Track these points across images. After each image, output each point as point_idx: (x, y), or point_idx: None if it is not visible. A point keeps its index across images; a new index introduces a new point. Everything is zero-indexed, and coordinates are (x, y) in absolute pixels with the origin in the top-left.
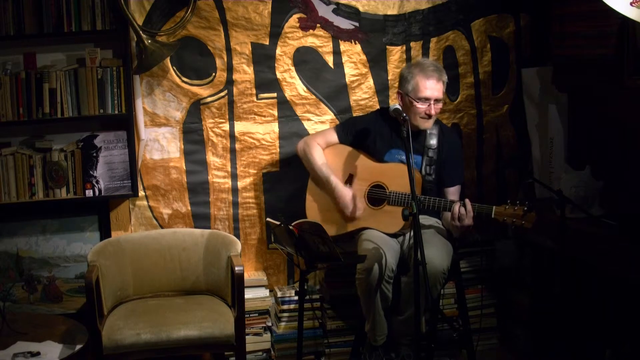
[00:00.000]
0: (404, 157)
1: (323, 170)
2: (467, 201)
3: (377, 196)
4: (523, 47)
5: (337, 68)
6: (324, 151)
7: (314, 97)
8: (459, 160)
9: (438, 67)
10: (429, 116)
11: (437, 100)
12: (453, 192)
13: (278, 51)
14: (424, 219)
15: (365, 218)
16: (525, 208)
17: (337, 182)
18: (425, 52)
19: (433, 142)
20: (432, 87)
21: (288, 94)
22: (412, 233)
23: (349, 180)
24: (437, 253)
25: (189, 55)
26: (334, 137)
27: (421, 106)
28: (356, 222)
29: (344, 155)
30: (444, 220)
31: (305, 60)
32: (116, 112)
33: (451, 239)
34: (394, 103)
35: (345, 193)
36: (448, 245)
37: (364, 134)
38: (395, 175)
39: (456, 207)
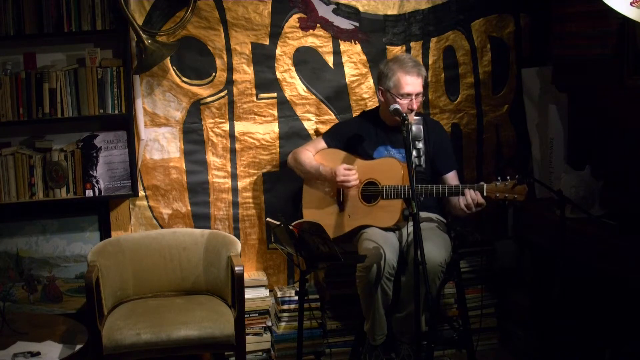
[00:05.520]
0: (391, 152)
1: (313, 164)
2: (477, 193)
3: (371, 193)
4: (523, 47)
5: (337, 68)
6: (315, 156)
7: (314, 97)
8: (449, 147)
9: (416, 61)
10: (412, 111)
11: (417, 95)
12: (451, 178)
13: (278, 51)
14: (423, 214)
15: (362, 216)
16: (515, 182)
17: (325, 167)
18: (425, 52)
19: (419, 133)
20: (413, 83)
21: (288, 94)
22: (410, 229)
23: None
24: (434, 247)
25: (189, 55)
26: (321, 144)
27: (403, 101)
28: (353, 221)
29: (335, 159)
30: (452, 207)
31: (305, 60)
32: (116, 112)
33: (450, 234)
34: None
35: (337, 168)
36: (446, 240)
37: (351, 138)
38: (385, 169)
39: (467, 192)
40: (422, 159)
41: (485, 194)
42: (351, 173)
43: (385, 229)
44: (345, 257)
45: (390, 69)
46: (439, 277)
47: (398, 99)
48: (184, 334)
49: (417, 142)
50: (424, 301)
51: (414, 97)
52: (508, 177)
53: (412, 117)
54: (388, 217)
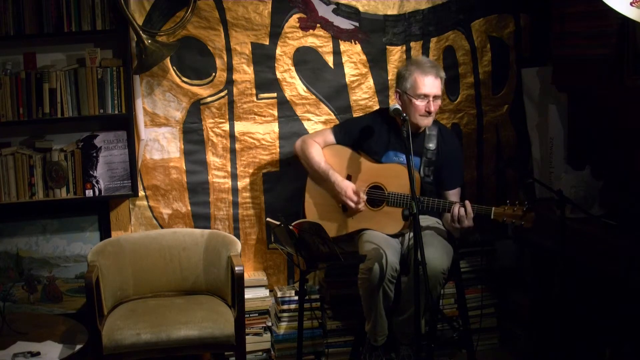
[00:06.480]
0: (401, 159)
1: (322, 166)
2: (467, 203)
3: (376, 197)
4: (523, 47)
5: (337, 68)
6: (322, 151)
7: (314, 97)
8: (459, 163)
9: (435, 64)
10: (429, 113)
11: (435, 97)
12: (453, 195)
13: (278, 51)
14: (424, 219)
15: (365, 219)
16: (525, 208)
17: (337, 176)
18: (425, 52)
19: (432, 144)
20: (430, 84)
21: (288, 94)
22: (411, 234)
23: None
24: (436, 253)
25: (189, 55)
26: (330, 137)
27: (420, 103)
28: (356, 222)
29: (342, 156)
30: (444, 221)
31: (305, 60)
32: (116, 112)
33: (451, 239)
34: (394, 103)
35: (346, 185)
36: (448, 246)
37: (361, 135)
38: (393, 175)
39: (456, 208)
40: (432, 169)
41: (492, 217)
42: (358, 199)
43: (389, 235)
44: (345, 257)
45: (408, 70)
46: (441, 283)
47: (415, 101)
48: (184, 334)
49: (429, 152)
50: (425, 303)
51: (431, 99)
52: (517, 202)
53: (429, 121)
54: (392, 224)
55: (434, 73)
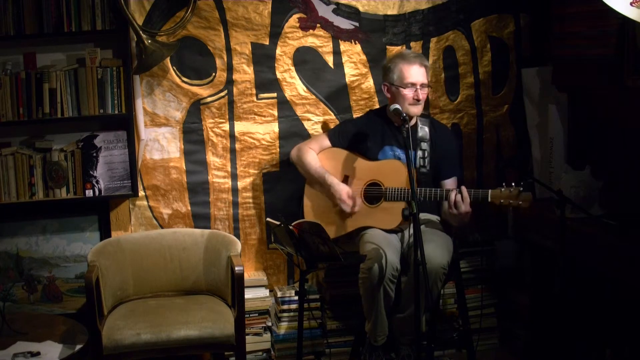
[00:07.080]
0: (397, 153)
1: (318, 171)
2: (463, 188)
3: (373, 194)
4: (523, 47)
5: (337, 68)
6: (318, 155)
7: (314, 97)
8: (454, 153)
9: (418, 54)
10: (418, 101)
11: (422, 85)
12: (450, 184)
13: (278, 51)
14: (423, 216)
15: (364, 217)
16: (521, 189)
17: (332, 179)
18: (425, 52)
19: (425, 134)
20: (416, 72)
21: (288, 94)
22: (411, 231)
23: (344, 182)
24: (437, 249)
25: (189, 55)
26: (326, 141)
27: (408, 92)
28: (355, 221)
29: (338, 158)
30: (442, 212)
31: (305, 60)
32: (116, 112)
33: (451, 236)
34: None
35: (342, 188)
36: (448, 241)
37: (356, 136)
38: (389, 171)
39: (452, 194)
40: (427, 160)
41: (489, 200)
42: (353, 204)
43: (387, 231)
44: (345, 257)
45: (393, 62)
46: (441, 279)
47: (403, 90)
48: (184, 334)
49: (423, 144)
50: (425, 303)
51: (418, 87)
52: (513, 184)
53: (419, 110)
54: (390, 219)
55: (419, 62)
